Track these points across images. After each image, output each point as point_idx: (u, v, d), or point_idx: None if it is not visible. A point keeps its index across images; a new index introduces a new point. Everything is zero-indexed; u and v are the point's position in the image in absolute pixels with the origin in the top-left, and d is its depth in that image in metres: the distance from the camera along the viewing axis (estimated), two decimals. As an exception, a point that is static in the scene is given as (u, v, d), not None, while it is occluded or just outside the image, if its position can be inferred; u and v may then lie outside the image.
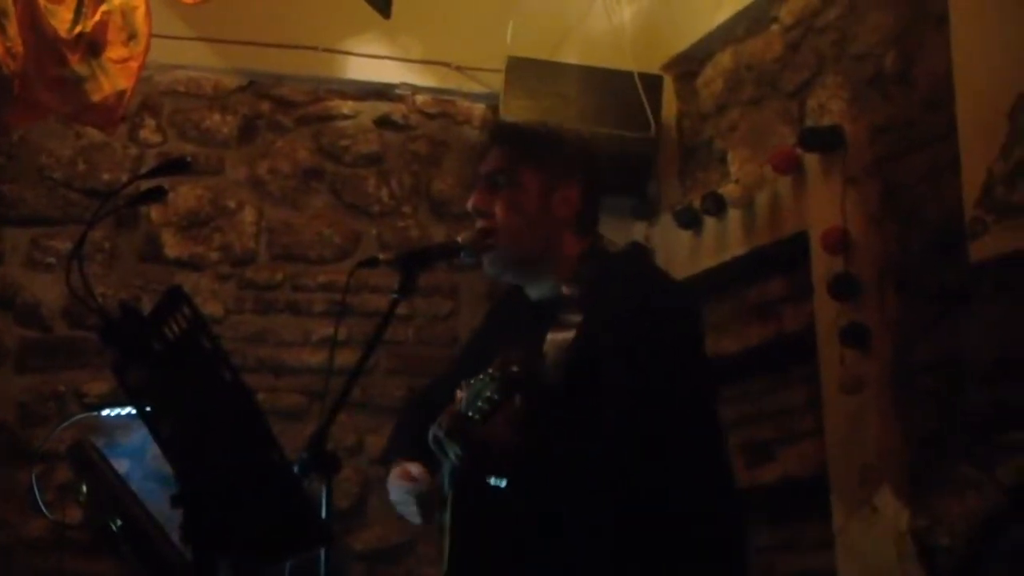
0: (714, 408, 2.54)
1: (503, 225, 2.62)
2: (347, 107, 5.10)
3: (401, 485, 2.69)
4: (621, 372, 2.40)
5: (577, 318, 2.52)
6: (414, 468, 2.66)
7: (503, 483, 2.35)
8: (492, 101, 5.04)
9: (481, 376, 2.39)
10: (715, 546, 2.43)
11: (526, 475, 2.36)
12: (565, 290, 2.59)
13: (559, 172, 2.66)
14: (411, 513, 2.69)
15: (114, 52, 4.06)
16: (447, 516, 2.52)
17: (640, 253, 2.87)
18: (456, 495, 2.51)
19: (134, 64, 4.10)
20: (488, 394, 2.35)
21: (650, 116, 4.74)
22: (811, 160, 3.97)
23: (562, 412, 2.42)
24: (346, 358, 3.74)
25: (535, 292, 2.68)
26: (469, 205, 2.68)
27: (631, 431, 2.35)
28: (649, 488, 2.35)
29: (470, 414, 2.37)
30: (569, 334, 2.51)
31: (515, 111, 4.70)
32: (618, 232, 4.57)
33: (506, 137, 2.80)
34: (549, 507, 2.39)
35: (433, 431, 2.42)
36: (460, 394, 2.48)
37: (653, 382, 2.39)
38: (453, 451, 2.38)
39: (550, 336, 2.53)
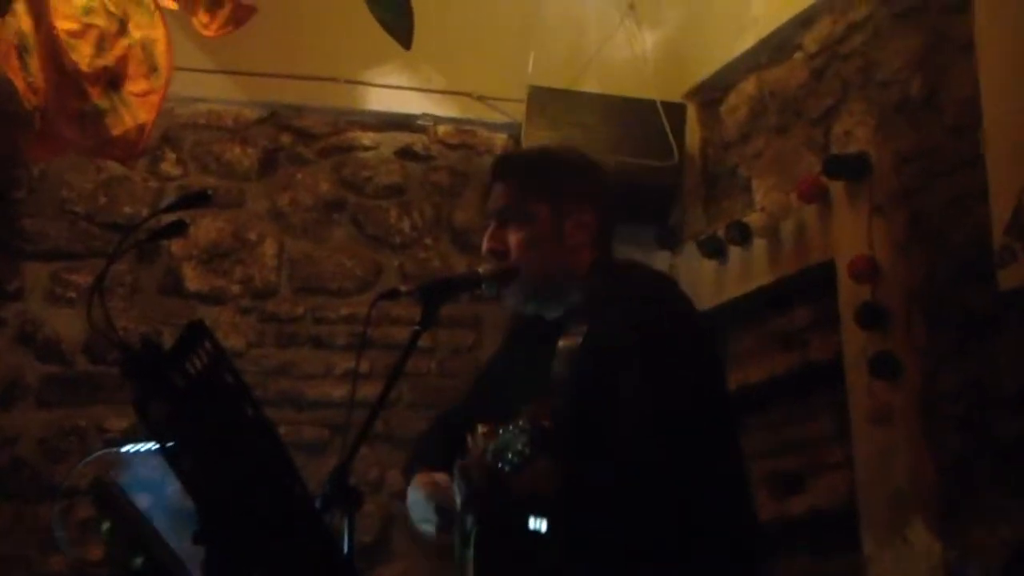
0: (726, 411, 2.54)
1: (519, 261, 2.59)
2: (368, 138, 5.09)
3: (423, 490, 2.65)
4: (629, 388, 2.37)
5: (584, 324, 2.48)
6: (440, 477, 2.63)
7: (543, 526, 2.32)
8: (514, 131, 5.02)
9: (511, 427, 2.34)
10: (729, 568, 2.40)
11: (564, 516, 2.33)
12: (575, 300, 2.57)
13: (569, 198, 2.62)
14: (427, 520, 2.65)
15: (135, 85, 4.07)
16: (469, 552, 2.49)
17: (642, 264, 2.86)
18: (481, 532, 2.47)
19: (155, 97, 4.11)
20: (519, 447, 2.30)
21: (673, 144, 4.72)
22: (837, 188, 3.94)
23: (577, 432, 2.38)
24: (368, 391, 3.70)
25: (553, 313, 2.65)
26: (484, 249, 2.64)
27: (642, 446, 2.33)
28: (660, 505, 2.33)
29: (500, 466, 2.33)
30: (577, 340, 2.47)
31: (537, 141, 4.68)
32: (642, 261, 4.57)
33: (509, 170, 2.74)
34: (585, 539, 2.37)
35: (463, 488, 2.38)
36: (481, 430, 2.44)
37: (660, 395, 2.36)
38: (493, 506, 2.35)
39: (560, 343, 2.50)
